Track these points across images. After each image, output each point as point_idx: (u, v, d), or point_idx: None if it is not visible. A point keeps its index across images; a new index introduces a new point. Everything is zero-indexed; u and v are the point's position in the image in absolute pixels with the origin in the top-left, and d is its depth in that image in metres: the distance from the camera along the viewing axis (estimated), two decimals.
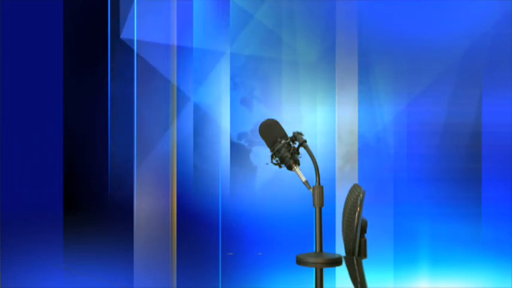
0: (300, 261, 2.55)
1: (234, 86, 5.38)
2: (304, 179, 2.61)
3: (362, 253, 2.52)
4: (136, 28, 5.72)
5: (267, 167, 2.76)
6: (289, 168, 2.65)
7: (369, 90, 5.08)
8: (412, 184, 4.96)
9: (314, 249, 2.57)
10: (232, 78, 5.37)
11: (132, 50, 5.63)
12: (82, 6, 6.60)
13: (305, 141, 2.66)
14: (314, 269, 2.54)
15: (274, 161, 2.68)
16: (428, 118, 4.96)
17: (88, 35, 6.50)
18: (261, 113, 5.21)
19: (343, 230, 2.66)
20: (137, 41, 5.71)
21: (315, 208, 2.56)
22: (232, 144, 5.34)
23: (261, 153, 5.22)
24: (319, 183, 2.57)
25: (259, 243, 5.30)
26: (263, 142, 2.72)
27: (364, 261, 2.52)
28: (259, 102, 5.33)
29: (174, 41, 5.73)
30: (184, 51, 5.70)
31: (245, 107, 5.29)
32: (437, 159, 4.94)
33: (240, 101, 5.30)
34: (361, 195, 2.53)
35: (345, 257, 2.56)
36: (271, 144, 2.68)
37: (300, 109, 5.21)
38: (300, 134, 2.69)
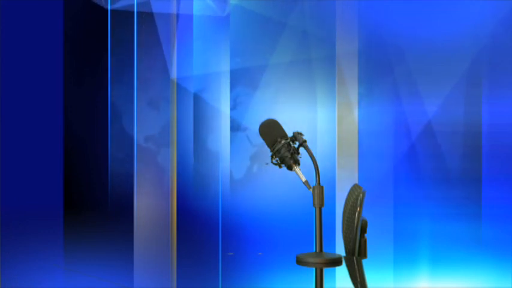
0: (300, 261, 2.54)
1: (233, 86, 5.38)
2: (304, 179, 2.60)
3: (362, 253, 2.52)
4: (136, 27, 5.73)
5: (266, 167, 2.75)
6: (289, 168, 2.65)
7: (369, 90, 5.08)
8: (412, 184, 4.96)
9: (314, 249, 2.57)
10: (231, 78, 5.37)
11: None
12: (82, 7, 6.60)
13: (305, 141, 2.66)
14: (314, 269, 2.54)
15: (274, 161, 2.68)
16: (428, 118, 4.96)
17: (88, 35, 6.50)
18: (261, 114, 5.21)
19: (343, 230, 2.66)
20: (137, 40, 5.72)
21: (315, 208, 2.56)
22: (232, 145, 5.34)
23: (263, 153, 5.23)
24: (319, 183, 2.57)
25: (259, 243, 5.30)
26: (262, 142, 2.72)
27: (364, 261, 2.52)
28: (259, 102, 5.33)
29: (174, 40, 5.73)
30: (184, 50, 5.70)
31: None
32: (437, 159, 4.94)
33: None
34: (361, 195, 2.53)
35: (345, 257, 2.56)
36: (271, 144, 2.67)
37: (300, 109, 5.21)
38: (300, 134, 2.68)
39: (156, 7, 5.71)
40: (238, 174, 5.33)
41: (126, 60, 5.78)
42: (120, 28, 5.89)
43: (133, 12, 5.73)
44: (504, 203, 4.78)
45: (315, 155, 2.60)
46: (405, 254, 4.93)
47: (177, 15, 5.73)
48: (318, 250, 2.56)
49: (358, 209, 2.51)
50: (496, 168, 4.81)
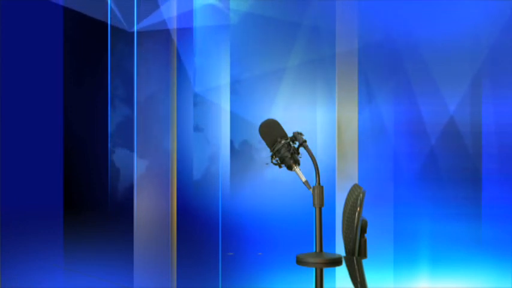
0: (300, 261, 2.55)
1: (233, 86, 5.38)
2: (304, 179, 2.60)
3: (362, 253, 2.52)
4: (136, 23, 5.73)
5: (267, 167, 2.75)
6: (289, 168, 2.65)
7: (369, 90, 5.08)
8: (412, 184, 4.96)
9: (314, 249, 2.57)
10: (232, 78, 5.37)
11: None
12: (82, 7, 6.60)
13: (305, 141, 2.66)
14: (314, 269, 2.54)
15: (274, 161, 2.68)
16: (428, 118, 4.96)
17: (88, 35, 6.49)
18: (261, 114, 5.21)
19: (343, 230, 2.66)
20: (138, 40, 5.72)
21: (315, 208, 2.56)
22: (232, 145, 5.34)
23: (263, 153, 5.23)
24: (319, 183, 2.57)
25: (259, 243, 5.30)
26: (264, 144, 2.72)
27: (364, 261, 2.52)
28: (259, 102, 5.33)
29: (175, 41, 5.73)
30: (184, 51, 5.70)
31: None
32: (437, 159, 4.94)
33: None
34: (361, 195, 2.53)
35: (345, 257, 2.56)
36: (271, 144, 2.68)
37: (300, 109, 5.21)
38: (300, 134, 2.69)
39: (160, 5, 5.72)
40: (238, 174, 5.33)
41: (126, 60, 5.78)
42: (121, 27, 5.89)
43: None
44: (504, 203, 4.78)
45: (315, 155, 2.60)
46: (405, 254, 4.93)
47: (178, 17, 5.73)
48: (318, 250, 2.56)
49: (358, 209, 2.51)
50: (496, 168, 4.81)
